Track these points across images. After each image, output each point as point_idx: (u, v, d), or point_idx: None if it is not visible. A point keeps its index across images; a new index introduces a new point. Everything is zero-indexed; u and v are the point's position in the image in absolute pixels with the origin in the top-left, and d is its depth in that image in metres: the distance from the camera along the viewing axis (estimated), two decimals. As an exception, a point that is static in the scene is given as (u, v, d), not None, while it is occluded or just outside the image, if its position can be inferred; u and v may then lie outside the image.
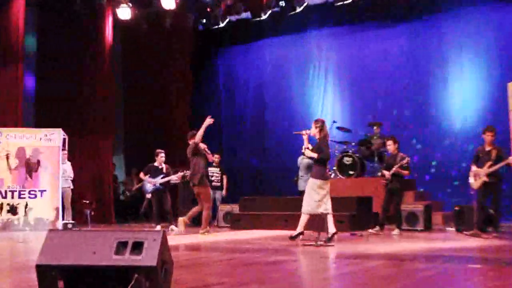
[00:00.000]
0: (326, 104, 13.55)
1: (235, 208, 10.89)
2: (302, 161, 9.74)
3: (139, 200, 12.72)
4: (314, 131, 7.42)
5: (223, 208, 11.16)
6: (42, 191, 10.63)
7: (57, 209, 10.55)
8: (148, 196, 10.73)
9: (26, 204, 10.50)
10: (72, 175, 10.93)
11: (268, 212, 10.22)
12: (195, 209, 9.08)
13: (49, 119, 12.06)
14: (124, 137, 14.93)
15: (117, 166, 14.36)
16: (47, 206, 10.59)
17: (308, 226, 7.51)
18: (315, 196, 7.24)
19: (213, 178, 11.50)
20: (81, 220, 11.48)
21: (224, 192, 11.64)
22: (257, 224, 10.02)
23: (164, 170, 10.42)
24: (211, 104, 14.61)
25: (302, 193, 8.26)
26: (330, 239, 7.16)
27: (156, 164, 10.49)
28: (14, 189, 10.54)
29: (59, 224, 10.34)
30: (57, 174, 10.64)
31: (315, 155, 7.29)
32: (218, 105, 14.81)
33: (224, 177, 11.78)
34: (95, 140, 12.79)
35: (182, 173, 10.35)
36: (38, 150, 10.72)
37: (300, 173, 9.87)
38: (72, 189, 10.92)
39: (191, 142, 8.84)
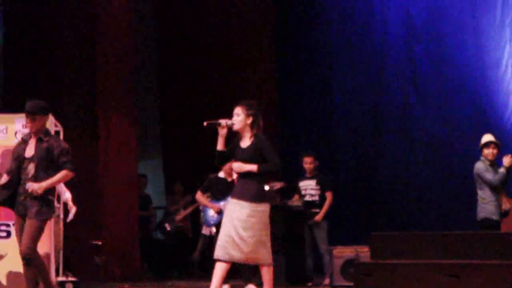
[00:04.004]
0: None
1: (362, 252, 10.52)
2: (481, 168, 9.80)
3: (188, 239, 13.34)
4: (239, 120, 7.43)
5: (341, 253, 10.81)
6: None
7: (47, 256, 9.68)
8: (207, 231, 11.17)
9: None
10: (67, 195, 10.31)
11: (423, 260, 9.37)
12: None
13: (29, 96, 11.28)
14: (161, 132, 15.66)
15: (151, 179, 14.74)
16: None
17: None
18: None
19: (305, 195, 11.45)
20: (88, 273, 11.55)
21: (319, 217, 11.27)
22: (401, 281, 9.11)
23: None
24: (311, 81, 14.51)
25: (484, 222, 9.34)
26: None
27: (222, 175, 10.41)
28: None
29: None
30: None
31: (253, 167, 7.30)
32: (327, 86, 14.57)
33: (328, 194, 11.40)
34: (107, 130, 12.99)
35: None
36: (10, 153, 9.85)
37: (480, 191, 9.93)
38: (64, 221, 10.50)
39: None
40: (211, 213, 10.44)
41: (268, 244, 7.30)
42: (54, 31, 13.24)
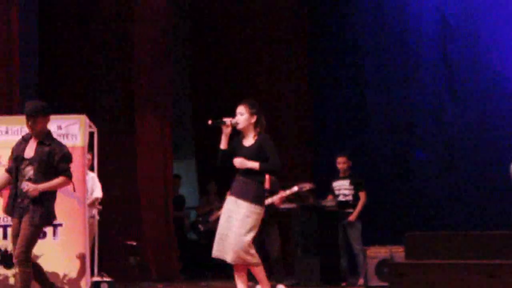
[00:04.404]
0: None
1: (397, 252, 10.53)
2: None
3: None
4: (243, 119, 7.44)
5: (375, 253, 10.83)
6: (55, 226, 10.00)
7: (82, 257, 9.87)
8: None
9: None
10: (99, 194, 10.63)
11: (458, 260, 9.30)
12: None
13: (64, 97, 12.14)
14: (194, 132, 15.56)
15: (183, 179, 14.76)
16: (65, 252, 9.98)
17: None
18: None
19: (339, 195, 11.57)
20: (121, 273, 11.51)
21: (352, 217, 11.37)
22: (436, 281, 9.01)
23: (267, 186, 9.97)
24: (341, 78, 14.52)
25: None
26: None
27: None
28: (8, 223, 9.68)
29: (86, 284, 9.85)
30: (81, 195, 10.06)
31: (255, 165, 7.32)
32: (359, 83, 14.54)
33: (361, 194, 11.49)
34: (143, 131, 13.12)
35: (297, 188, 10.27)
36: None
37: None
38: (99, 221, 10.73)
39: None
40: None
41: (252, 245, 7.26)
42: (90, 31, 13.34)
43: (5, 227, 9.89)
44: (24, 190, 7.38)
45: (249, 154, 7.36)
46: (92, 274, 10.09)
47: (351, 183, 11.37)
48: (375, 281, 10.65)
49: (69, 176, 7.52)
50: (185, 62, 16.00)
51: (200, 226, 13.97)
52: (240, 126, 7.43)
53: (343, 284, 10.78)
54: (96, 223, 10.60)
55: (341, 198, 11.32)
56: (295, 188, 10.28)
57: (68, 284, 9.76)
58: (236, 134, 7.52)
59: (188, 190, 15.31)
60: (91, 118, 10.55)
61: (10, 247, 9.68)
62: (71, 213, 9.93)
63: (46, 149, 7.41)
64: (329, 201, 11.28)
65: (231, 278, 12.64)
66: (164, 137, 13.37)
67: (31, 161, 7.42)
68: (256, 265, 7.31)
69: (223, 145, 7.45)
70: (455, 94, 13.85)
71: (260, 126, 7.48)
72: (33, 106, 7.63)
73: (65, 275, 9.86)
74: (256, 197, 7.33)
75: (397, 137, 14.18)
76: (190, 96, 15.92)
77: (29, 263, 7.40)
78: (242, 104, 7.50)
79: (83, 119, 10.16)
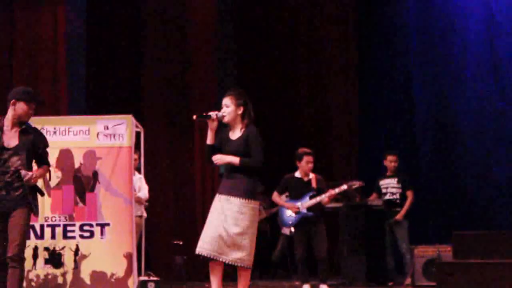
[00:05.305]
0: None
1: (444, 252, 10.54)
2: None
3: (268, 239, 13.13)
4: (229, 111, 7.04)
5: (423, 253, 10.78)
6: (103, 226, 10.10)
7: (129, 256, 9.91)
8: (286, 231, 11.40)
9: (77, 249, 10.00)
10: (146, 194, 10.72)
11: (506, 259, 9.38)
12: None
13: (111, 98, 12.16)
14: None
15: None
16: (112, 251, 10.02)
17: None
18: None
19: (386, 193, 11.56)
20: (169, 272, 11.73)
21: (399, 216, 11.34)
22: (484, 281, 9.12)
23: (314, 184, 10.31)
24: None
25: None
26: None
27: (298, 174, 10.40)
28: (56, 222, 10.02)
29: (134, 283, 9.87)
30: (128, 194, 10.14)
31: (235, 160, 6.97)
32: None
33: (409, 193, 11.47)
34: (198, 131, 13.03)
35: (346, 186, 10.27)
36: (94, 154, 10.28)
37: None
38: (146, 220, 10.83)
39: None
40: (288, 213, 10.42)
41: (252, 244, 6.92)
42: (140, 32, 13.42)
43: (53, 227, 10.00)
44: (26, 179, 6.80)
45: (236, 147, 7.01)
46: (139, 274, 10.16)
47: (398, 182, 11.33)
48: (422, 281, 10.57)
49: (49, 164, 7.17)
50: (232, 63, 15.93)
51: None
52: (226, 119, 7.03)
53: (390, 283, 10.74)
54: (143, 222, 10.67)
55: (388, 196, 11.29)
56: (344, 186, 10.26)
57: (116, 283, 9.83)
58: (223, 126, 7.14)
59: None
60: (137, 118, 10.60)
61: (58, 247, 9.92)
62: (118, 213, 10.04)
63: (30, 137, 6.88)
64: (375, 200, 11.25)
65: (277, 276, 12.72)
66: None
67: (15, 150, 6.84)
68: (249, 267, 6.95)
69: (209, 140, 7.09)
70: (503, 91, 13.72)
71: (247, 118, 7.06)
72: (32, 91, 7.17)
73: (112, 274, 9.91)
74: (248, 192, 6.96)
75: (443, 135, 14.09)
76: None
77: (24, 260, 6.91)
78: (227, 95, 7.08)
79: (129, 119, 10.21)
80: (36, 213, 7.06)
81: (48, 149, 7.21)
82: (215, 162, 7.00)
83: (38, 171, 6.97)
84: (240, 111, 6.95)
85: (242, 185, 6.92)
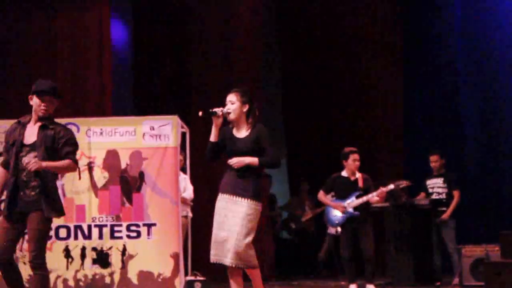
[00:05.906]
0: None
1: (493, 251, 10.38)
2: None
3: (315, 239, 13.29)
4: (234, 108, 6.95)
5: (471, 252, 10.67)
6: (149, 226, 10.17)
7: (176, 256, 9.97)
8: (333, 231, 11.23)
9: (124, 249, 10.11)
10: (191, 195, 10.74)
11: None
12: None
13: (157, 99, 12.20)
14: (285, 132, 15.41)
15: (273, 178, 14.55)
16: (159, 251, 10.09)
17: None
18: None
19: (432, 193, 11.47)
20: (214, 272, 11.05)
21: (446, 215, 11.26)
22: None
23: (360, 184, 10.24)
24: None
25: None
26: None
27: (344, 173, 10.34)
28: (103, 222, 10.15)
29: (180, 283, 9.92)
30: (174, 195, 10.15)
31: (254, 161, 6.85)
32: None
33: (455, 192, 11.33)
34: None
35: (393, 186, 10.14)
36: (140, 155, 10.37)
37: None
38: (192, 220, 10.85)
39: None
40: (334, 213, 10.43)
41: (252, 246, 6.84)
42: (186, 31, 13.48)
43: (100, 227, 10.12)
44: (25, 164, 6.45)
45: (245, 146, 6.90)
46: (186, 273, 10.22)
47: (444, 181, 11.26)
48: (470, 280, 10.49)
49: (74, 161, 6.67)
50: (276, 67, 15.96)
51: (292, 224, 14.01)
52: (232, 116, 6.93)
53: (437, 283, 10.67)
54: (189, 222, 10.70)
55: (434, 196, 11.21)
56: (391, 186, 10.21)
57: (163, 283, 9.89)
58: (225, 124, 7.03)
59: (280, 190, 15.24)
60: (182, 118, 10.63)
61: (105, 247, 10.07)
62: (165, 213, 10.11)
63: (50, 133, 6.55)
64: (422, 200, 11.17)
65: (323, 276, 12.78)
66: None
67: (33, 147, 6.55)
68: (255, 267, 6.90)
69: (213, 137, 7.00)
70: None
71: (252, 116, 6.98)
72: (50, 84, 6.78)
73: (159, 274, 9.97)
74: (257, 193, 6.93)
75: (489, 134, 14.04)
76: (280, 96, 15.90)
77: (45, 264, 6.57)
78: (232, 92, 6.99)
79: (175, 119, 10.27)
80: (54, 216, 6.70)
81: (72, 145, 6.79)
82: (234, 166, 6.87)
83: (48, 161, 6.48)
84: (245, 109, 6.89)
85: (252, 187, 6.88)
